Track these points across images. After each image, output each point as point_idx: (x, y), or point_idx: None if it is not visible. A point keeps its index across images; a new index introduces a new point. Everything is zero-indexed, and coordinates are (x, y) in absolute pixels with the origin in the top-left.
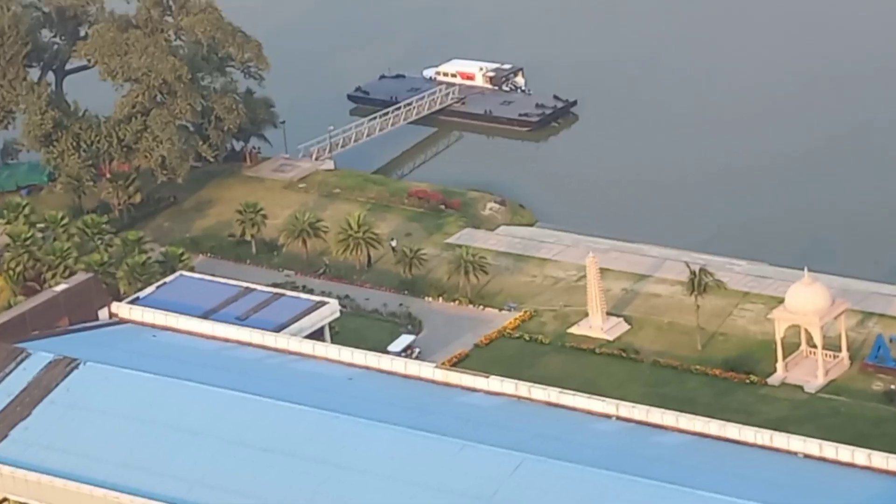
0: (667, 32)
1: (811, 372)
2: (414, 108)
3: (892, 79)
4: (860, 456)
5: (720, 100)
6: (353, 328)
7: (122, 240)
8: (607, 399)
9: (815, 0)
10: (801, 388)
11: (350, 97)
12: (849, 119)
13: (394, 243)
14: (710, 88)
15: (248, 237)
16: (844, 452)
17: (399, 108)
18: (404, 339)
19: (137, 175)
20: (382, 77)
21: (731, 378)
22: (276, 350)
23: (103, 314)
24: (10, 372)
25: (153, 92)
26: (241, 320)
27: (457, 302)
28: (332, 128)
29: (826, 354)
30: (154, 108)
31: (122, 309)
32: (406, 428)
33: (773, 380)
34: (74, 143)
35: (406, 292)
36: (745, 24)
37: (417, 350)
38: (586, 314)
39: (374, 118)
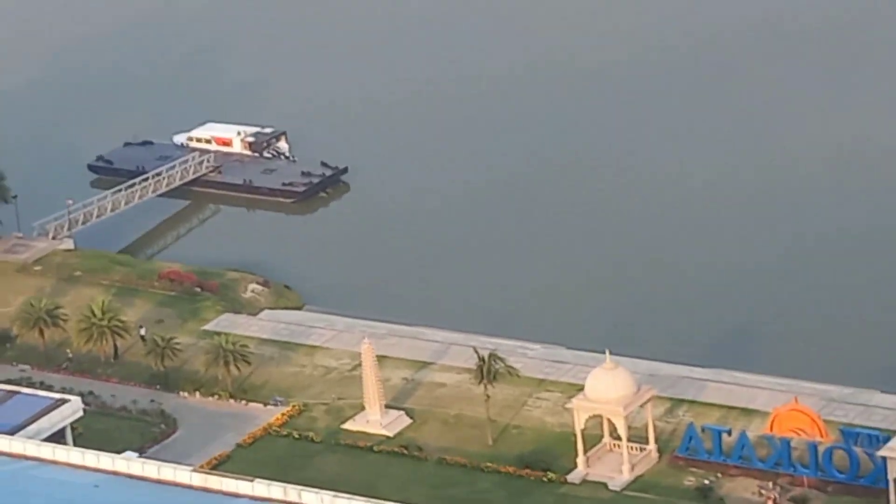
0: (439, 88)
1: (615, 467)
2: (164, 178)
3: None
4: None
5: (505, 164)
6: (99, 428)
7: None
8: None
9: None
10: (604, 485)
11: (91, 167)
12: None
13: (143, 331)
14: (490, 151)
15: None
16: None
17: (147, 178)
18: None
19: None
20: (127, 144)
21: (528, 476)
22: (11, 455)
23: None
24: None
25: None
26: None
27: (216, 396)
28: (71, 202)
29: (632, 447)
30: None
31: None
32: None
33: (574, 477)
34: None
35: (158, 387)
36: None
37: None
38: (363, 407)
39: (119, 190)
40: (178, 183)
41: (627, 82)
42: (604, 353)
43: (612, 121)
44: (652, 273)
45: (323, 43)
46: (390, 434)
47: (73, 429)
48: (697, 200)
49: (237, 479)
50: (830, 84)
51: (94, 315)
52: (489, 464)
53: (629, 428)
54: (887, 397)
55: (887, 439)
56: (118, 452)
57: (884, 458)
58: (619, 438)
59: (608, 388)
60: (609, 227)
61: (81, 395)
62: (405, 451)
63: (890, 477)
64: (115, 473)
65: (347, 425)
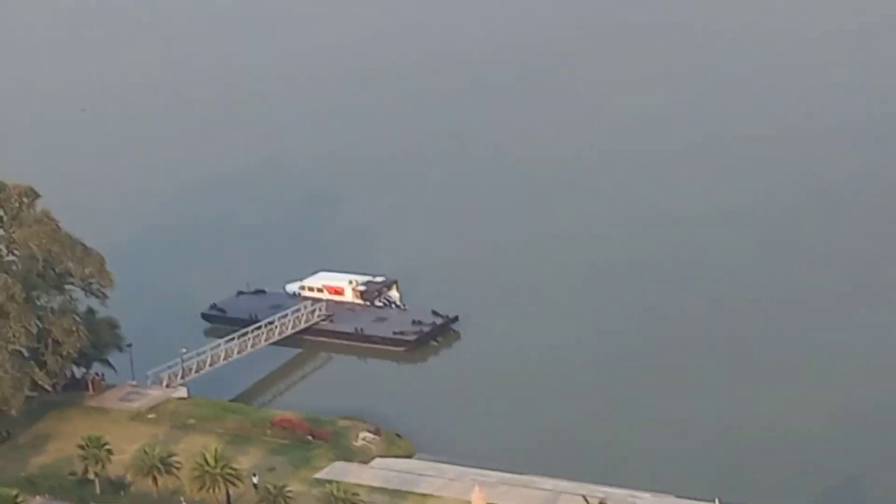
0: (550, 238)
1: None
2: (276, 326)
3: None
4: None
5: (612, 314)
6: None
7: None
8: None
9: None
10: None
11: (204, 316)
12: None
13: (255, 479)
14: (600, 302)
15: (91, 475)
16: None
17: (259, 327)
18: None
19: None
20: (240, 293)
21: None
22: None
23: None
24: None
25: None
26: None
27: None
28: (184, 350)
29: None
30: None
31: None
32: None
33: None
34: None
35: None
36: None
37: None
38: None
39: (232, 339)
40: (290, 331)
41: None
42: (713, 501)
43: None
44: (762, 417)
45: (434, 193)
46: None
47: None
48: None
49: None
50: None
51: (208, 463)
52: None
53: None
54: None
55: None
56: None
57: None
58: None
59: None
60: (714, 375)
61: None
62: None
63: None
64: None
65: None
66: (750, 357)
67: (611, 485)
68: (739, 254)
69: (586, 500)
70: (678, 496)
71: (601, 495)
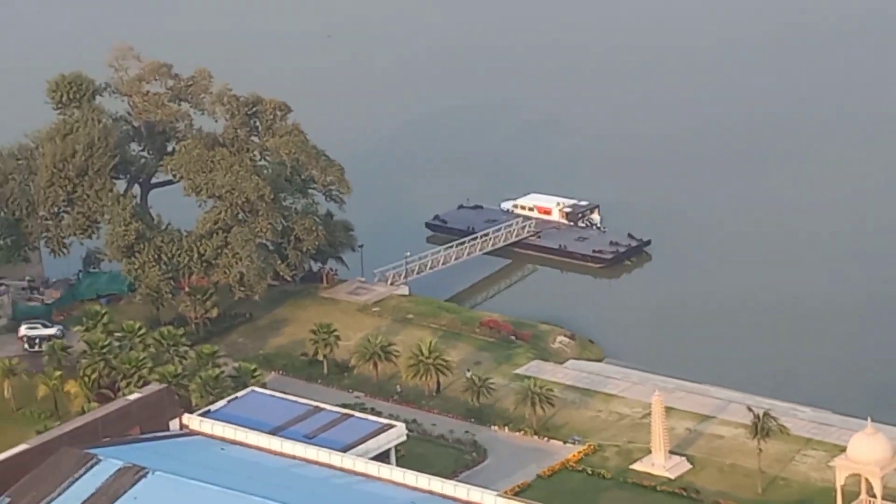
0: (742, 180)
1: None
2: (490, 238)
3: None
4: None
5: (796, 240)
6: (419, 453)
7: (196, 353)
8: None
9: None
10: None
11: (428, 225)
12: None
13: (469, 374)
14: (789, 227)
15: (320, 357)
16: None
17: (476, 238)
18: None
19: (215, 290)
20: (461, 207)
21: None
22: (342, 470)
23: (174, 425)
24: (80, 477)
25: (235, 209)
26: (309, 439)
27: (522, 432)
28: (408, 254)
29: None
30: (235, 225)
31: (192, 421)
32: None
33: None
34: (156, 256)
35: (473, 420)
36: (813, 162)
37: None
38: (649, 451)
39: (451, 247)
40: (502, 244)
41: None
42: (866, 419)
43: None
44: None
45: (644, 139)
46: (672, 476)
47: (396, 451)
48: None
49: None
50: None
51: (422, 353)
52: None
53: (884, 488)
54: None
55: None
56: (434, 475)
57: None
58: (874, 496)
59: (868, 451)
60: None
61: (406, 422)
62: (684, 493)
63: None
64: (429, 493)
65: (635, 466)
66: None
67: (775, 398)
68: None
69: (752, 410)
70: (834, 412)
71: (766, 406)
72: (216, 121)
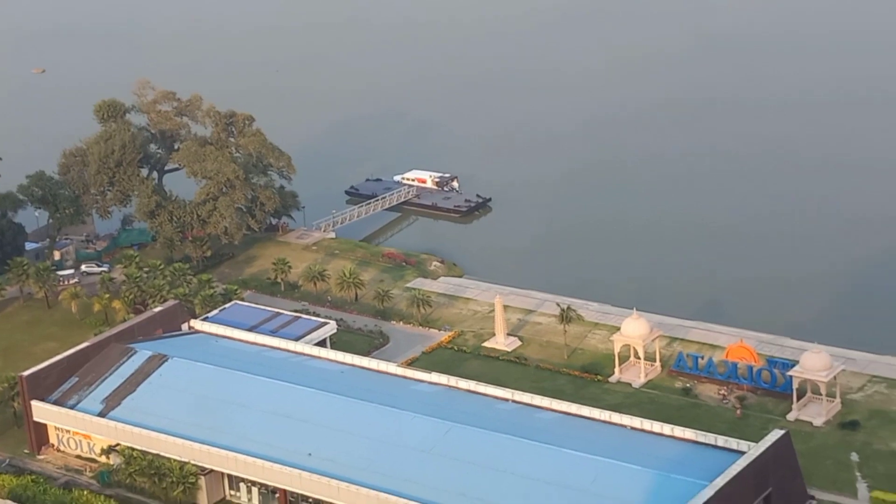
0: (556, 160)
1: (637, 375)
2: (387, 200)
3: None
4: (666, 429)
5: (589, 186)
6: (345, 340)
7: (198, 280)
8: (506, 389)
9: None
10: (630, 384)
11: (346, 192)
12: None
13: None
14: (583, 180)
15: (279, 280)
16: (657, 426)
17: (378, 200)
18: None
19: (209, 238)
20: (367, 180)
21: (586, 377)
22: (295, 353)
23: (185, 327)
24: (123, 363)
25: (220, 186)
26: (273, 333)
27: (412, 324)
28: (334, 211)
29: (646, 364)
30: (221, 196)
31: (197, 324)
32: (377, 404)
33: (613, 379)
34: (169, 217)
35: (379, 318)
36: (637, 115)
37: None
38: (494, 334)
39: (362, 206)
40: (395, 203)
41: None
42: (632, 309)
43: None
44: (667, 258)
45: (495, 123)
46: (509, 350)
47: (330, 339)
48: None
49: (421, 371)
50: None
51: (345, 275)
52: (565, 369)
53: (645, 352)
54: (793, 341)
55: (792, 365)
56: (356, 354)
57: (790, 376)
58: (639, 358)
59: (634, 329)
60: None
61: (336, 320)
62: (517, 360)
63: (794, 386)
64: (352, 365)
65: (485, 344)
66: None
67: (574, 297)
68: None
69: (559, 305)
70: (613, 305)
71: (568, 303)
72: (206, 128)
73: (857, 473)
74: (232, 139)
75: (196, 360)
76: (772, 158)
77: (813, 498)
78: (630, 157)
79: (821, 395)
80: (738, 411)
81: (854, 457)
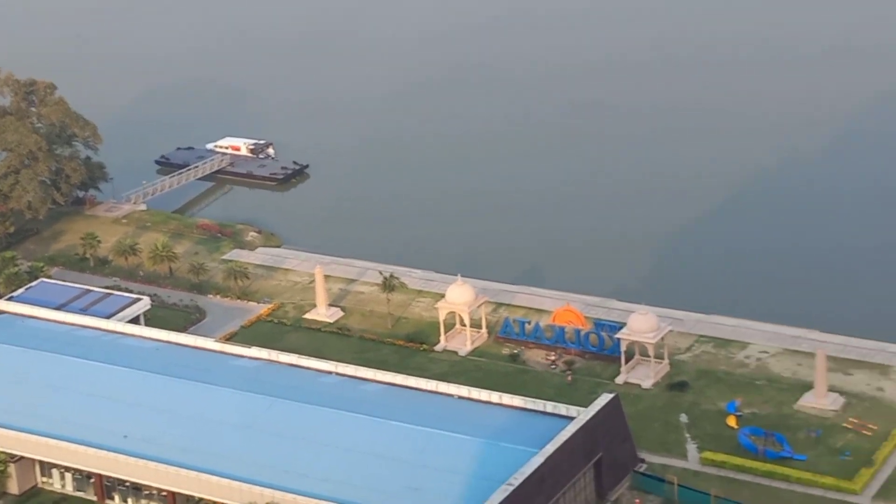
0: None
1: (463, 342)
2: (200, 169)
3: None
4: (494, 396)
5: (409, 150)
6: (160, 316)
7: (1, 258)
8: (329, 361)
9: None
10: (456, 353)
11: (157, 162)
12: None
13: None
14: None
15: (87, 255)
16: (484, 394)
17: (190, 169)
18: None
19: (12, 214)
20: (178, 149)
21: (411, 347)
22: (108, 331)
23: None
24: None
25: (22, 158)
26: (84, 311)
27: (229, 298)
28: (144, 182)
29: (472, 331)
30: (23, 168)
31: (1, 304)
32: (195, 382)
33: (438, 348)
34: None
35: (195, 291)
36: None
37: None
38: (315, 305)
39: (174, 176)
40: (208, 172)
41: None
42: (457, 276)
43: None
44: (490, 210)
45: (308, 88)
46: (331, 321)
47: (144, 316)
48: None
49: (241, 346)
50: None
51: (158, 249)
52: (389, 339)
53: (471, 319)
54: (620, 303)
55: (620, 328)
56: (172, 330)
57: (618, 339)
58: (465, 325)
59: (459, 296)
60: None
61: (149, 296)
62: (340, 331)
63: (622, 349)
64: (167, 342)
65: (306, 315)
66: None
67: (396, 264)
68: None
69: (381, 273)
70: (437, 271)
71: (391, 271)
72: (4, 98)
73: (687, 435)
74: (33, 109)
75: (1, 342)
76: (592, 123)
77: (643, 461)
78: (449, 124)
79: (649, 357)
80: (569, 377)
81: (683, 418)
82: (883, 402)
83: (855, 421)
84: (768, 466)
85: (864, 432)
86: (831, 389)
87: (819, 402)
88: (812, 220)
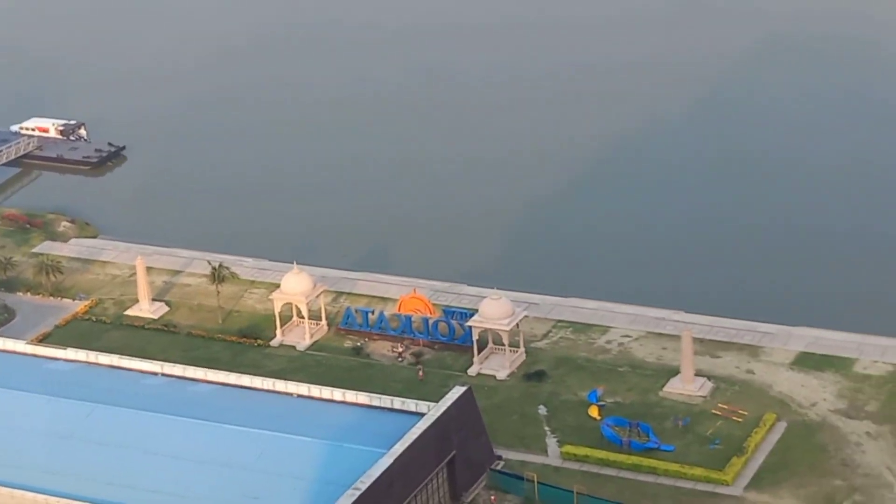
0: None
1: (301, 336)
2: (4, 153)
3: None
4: (337, 394)
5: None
6: None
7: None
8: (154, 361)
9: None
10: (294, 347)
11: None
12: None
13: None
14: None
15: None
16: (326, 392)
17: None
18: None
19: None
20: None
21: (245, 342)
22: None
23: None
24: None
25: None
26: None
27: (41, 295)
28: None
29: (311, 323)
30: None
31: None
32: (4, 388)
33: (274, 342)
34: None
35: (3, 289)
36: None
37: None
38: (137, 300)
39: None
40: (14, 157)
41: None
42: (292, 263)
43: None
44: (327, 190)
45: (108, 53)
46: (155, 317)
47: None
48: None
49: (55, 348)
50: None
51: None
52: (220, 335)
53: (309, 310)
54: (471, 288)
55: (471, 315)
56: None
57: (470, 327)
58: (302, 317)
59: (295, 285)
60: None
61: None
62: (165, 328)
63: (474, 338)
64: None
65: (128, 312)
66: None
67: (226, 253)
68: None
69: (210, 263)
70: (270, 260)
71: (220, 260)
72: None
73: (546, 428)
74: None
75: None
76: (440, 92)
77: (500, 458)
78: (282, 93)
79: (503, 345)
80: (420, 372)
81: (542, 410)
82: (753, 385)
83: (724, 407)
84: (634, 459)
85: (735, 419)
86: (698, 374)
87: (686, 387)
88: (674, 194)
